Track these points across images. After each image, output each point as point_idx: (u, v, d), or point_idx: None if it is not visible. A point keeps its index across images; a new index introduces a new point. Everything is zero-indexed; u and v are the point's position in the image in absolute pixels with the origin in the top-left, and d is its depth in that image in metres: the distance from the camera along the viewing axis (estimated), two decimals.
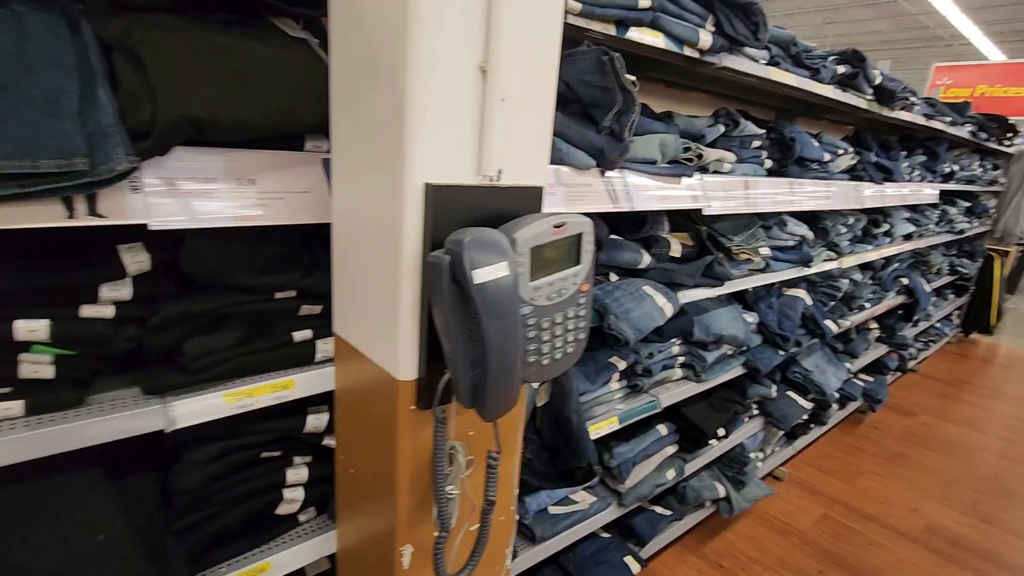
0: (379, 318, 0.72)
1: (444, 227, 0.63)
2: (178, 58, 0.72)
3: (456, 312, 0.59)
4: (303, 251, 0.99)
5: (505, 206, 0.69)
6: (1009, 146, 4.58)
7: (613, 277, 1.62)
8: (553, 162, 1.21)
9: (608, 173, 1.33)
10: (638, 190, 1.40)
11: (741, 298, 2.25)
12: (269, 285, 0.93)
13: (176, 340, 0.86)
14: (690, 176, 1.53)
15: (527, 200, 0.72)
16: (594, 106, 1.29)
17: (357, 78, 0.69)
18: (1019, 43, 9.24)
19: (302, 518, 1.11)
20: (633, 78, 1.25)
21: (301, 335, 0.99)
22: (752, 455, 2.40)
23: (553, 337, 0.68)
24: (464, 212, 0.64)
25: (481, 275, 0.56)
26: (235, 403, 0.90)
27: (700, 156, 1.57)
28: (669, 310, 1.55)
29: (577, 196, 1.25)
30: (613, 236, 1.68)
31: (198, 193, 0.78)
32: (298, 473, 1.05)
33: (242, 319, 0.93)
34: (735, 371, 2.10)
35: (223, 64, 0.76)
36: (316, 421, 1.03)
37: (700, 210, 1.61)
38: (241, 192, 0.82)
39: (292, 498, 1.05)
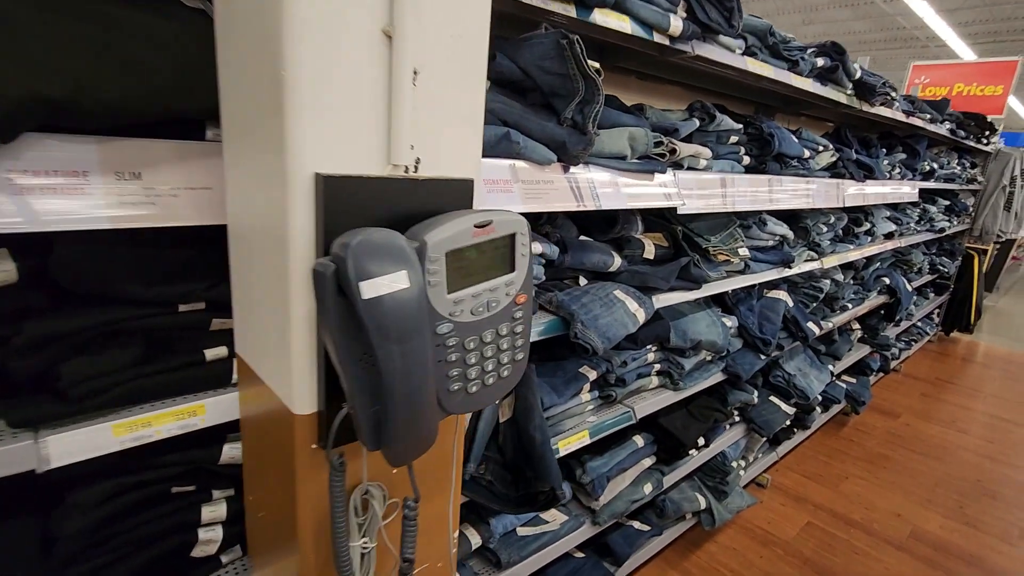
0: (273, 339, 0.60)
1: (342, 228, 0.51)
2: (25, 25, 0.59)
3: (346, 333, 0.47)
4: (214, 256, 0.86)
5: (425, 202, 0.57)
6: (987, 144, 4.58)
7: (583, 281, 1.51)
8: (510, 156, 1.10)
9: (572, 169, 1.22)
10: (605, 187, 1.29)
11: (721, 301, 2.16)
12: (170, 296, 0.81)
13: (50, 363, 0.73)
14: (663, 172, 1.43)
15: (454, 195, 0.60)
16: (554, 95, 1.18)
17: (239, 49, 0.57)
18: (992, 44, 9.36)
19: (224, 559, 0.98)
20: (597, 65, 1.15)
21: (214, 353, 0.86)
22: (734, 464, 2.31)
23: (482, 359, 0.57)
24: (370, 210, 0.53)
25: (372, 287, 0.44)
26: (128, 435, 0.77)
27: (673, 151, 1.47)
28: (642, 316, 1.44)
29: (536, 194, 1.14)
30: (583, 238, 1.57)
31: (63, 189, 0.65)
32: (215, 510, 0.92)
33: (138, 336, 0.80)
34: (715, 377, 2.00)
35: (88, 35, 0.63)
36: (233, 451, 0.91)
37: (675, 209, 1.51)
38: (121, 188, 0.69)
39: (209, 538, 0.92)
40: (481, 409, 1.28)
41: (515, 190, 1.10)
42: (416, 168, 0.57)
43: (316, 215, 0.51)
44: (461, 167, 0.62)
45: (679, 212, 1.50)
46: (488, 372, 0.58)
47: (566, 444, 1.47)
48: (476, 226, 0.53)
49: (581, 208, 1.21)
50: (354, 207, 0.52)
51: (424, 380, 0.48)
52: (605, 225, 1.60)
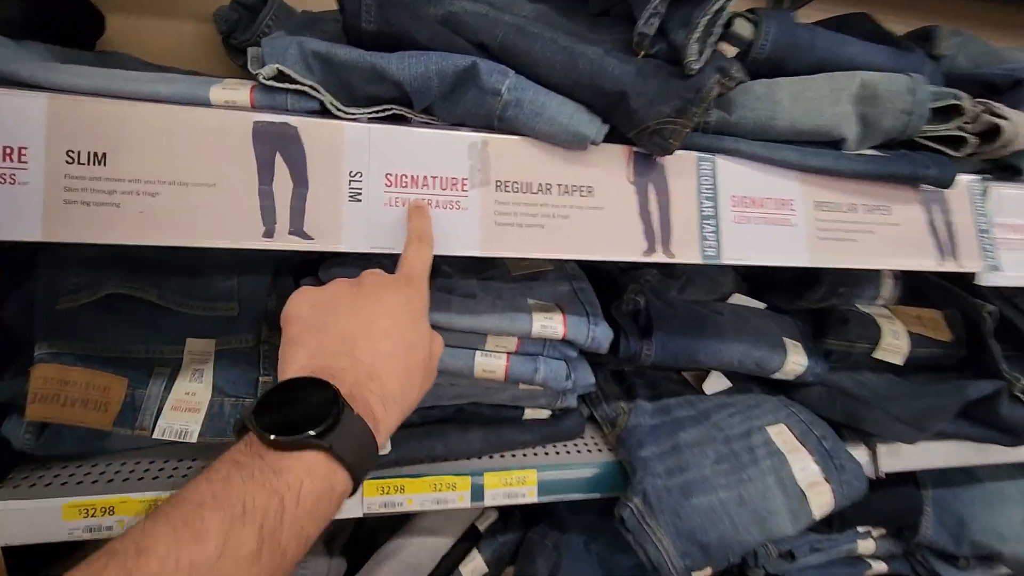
0: None
1: None
2: None
3: None
4: None
5: None
6: None
7: (715, 385, 0.77)
8: (483, 122, 0.49)
9: (660, 161, 0.53)
10: (751, 209, 0.55)
11: None
12: None
13: None
14: (947, 184, 0.58)
15: None
16: None
17: None
18: None
19: None
20: None
21: None
22: None
23: None
24: None
25: None
26: None
27: (996, 132, 0.59)
28: (825, 501, 0.64)
29: (533, 218, 0.50)
30: (740, 300, 0.82)
31: None
32: None
33: None
34: None
35: None
36: None
37: (972, 275, 0.64)
38: None
39: None
40: None
41: (471, 205, 0.48)
42: None
43: None
44: None
45: (979, 283, 0.62)
46: None
47: None
48: None
49: (654, 259, 0.51)
50: None
51: None
52: (800, 281, 0.80)
